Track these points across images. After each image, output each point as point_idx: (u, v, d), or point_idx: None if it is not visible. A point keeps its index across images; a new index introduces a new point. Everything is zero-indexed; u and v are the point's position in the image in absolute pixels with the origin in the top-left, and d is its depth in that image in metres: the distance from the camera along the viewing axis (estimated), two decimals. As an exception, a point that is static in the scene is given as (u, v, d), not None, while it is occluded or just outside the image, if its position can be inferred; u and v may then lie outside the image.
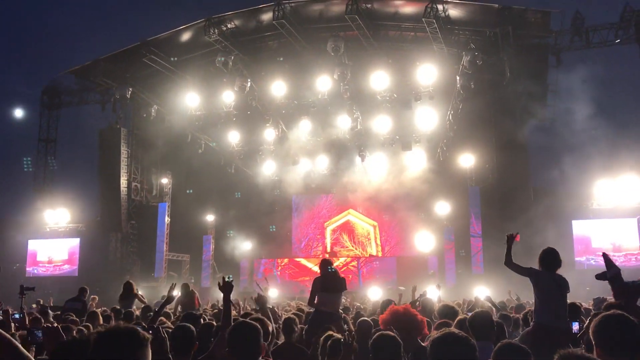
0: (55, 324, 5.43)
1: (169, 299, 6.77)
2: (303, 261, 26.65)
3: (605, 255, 5.10)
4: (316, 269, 24.97)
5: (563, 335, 5.40)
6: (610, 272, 5.07)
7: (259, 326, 3.47)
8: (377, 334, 3.97)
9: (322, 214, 28.54)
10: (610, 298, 9.84)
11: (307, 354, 5.48)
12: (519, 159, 22.84)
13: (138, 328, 2.28)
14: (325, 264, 8.22)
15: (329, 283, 7.85)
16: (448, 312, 6.38)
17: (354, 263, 25.81)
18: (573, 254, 21.97)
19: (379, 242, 27.43)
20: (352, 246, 27.60)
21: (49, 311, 9.43)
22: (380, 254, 27.01)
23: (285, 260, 27.00)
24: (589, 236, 22.41)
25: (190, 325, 4.50)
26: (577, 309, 6.95)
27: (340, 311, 7.95)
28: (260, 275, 25.09)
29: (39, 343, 5.02)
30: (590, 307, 8.45)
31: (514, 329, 7.13)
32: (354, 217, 27.98)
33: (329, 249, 27.21)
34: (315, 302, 7.84)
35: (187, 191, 28.57)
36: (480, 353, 3.13)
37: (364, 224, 27.85)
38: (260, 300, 6.70)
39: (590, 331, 2.70)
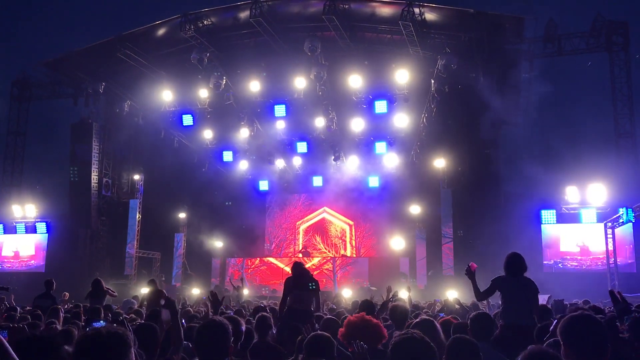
0: (22, 325, 5.26)
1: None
2: (274, 261, 26.57)
3: (611, 293, 5.01)
4: (288, 269, 24.99)
5: (528, 333, 5.51)
6: (617, 307, 4.99)
7: (228, 325, 3.43)
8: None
9: (295, 214, 28.55)
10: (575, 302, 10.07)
11: (282, 352, 5.47)
12: (491, 162, 23.15)
13: (124, 330, 2.22)
14: (296, 266, 8.27)
15: (301, 281, 7.89)
16: (367, 306, 6.68)
17: (329, 265, 25.82)
18: (542, 257, 22.34)
19: (354, 243, 27.53)
20: (325, 248, 27.65)
21: (17, 308, 9.25)
22: (354, 255, 27.09)
23: (257, 260, 26.90)
24: (557, 240, 22.81)
25: (154, 324, 4.41)
26: (546, 310, 7.14)
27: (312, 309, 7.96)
28: (227, 277, 25.01)
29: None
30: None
31: None
32: (329, 216, 28.03)
33: (301, 249, 27.20)
34: (288, 300, 7.88)
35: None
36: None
37: (339, 223, 27.91)
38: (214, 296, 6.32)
39: (558, 331, 2.75)
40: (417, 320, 5.12)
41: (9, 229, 27.95)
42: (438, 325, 4.99)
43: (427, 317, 5.44)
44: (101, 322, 2.88)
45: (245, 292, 17.14)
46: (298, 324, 5.58)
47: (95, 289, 11.53)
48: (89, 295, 11.46)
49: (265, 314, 6.27)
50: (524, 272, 6.54)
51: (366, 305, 6.92)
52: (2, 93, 31.19)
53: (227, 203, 27.68)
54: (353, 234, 27.67)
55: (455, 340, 3.64)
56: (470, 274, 6.78)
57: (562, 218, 22.80)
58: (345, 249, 27.43)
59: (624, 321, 4.69)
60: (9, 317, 7.76)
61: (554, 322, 4.01)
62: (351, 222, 27.71)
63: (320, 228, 28.08)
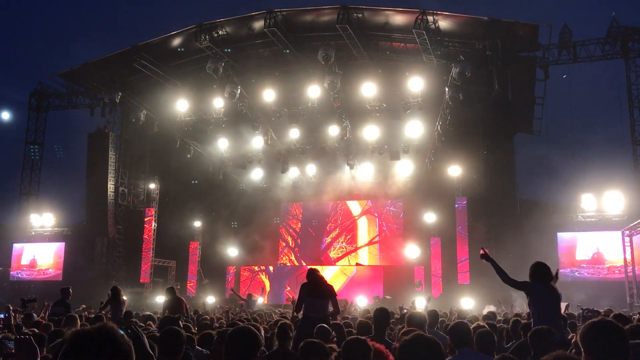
0: (29, 335, 5.21)
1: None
2: (294, 267, 26.60)
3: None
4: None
5: (561, 345, 5.44)
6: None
7: (258, 332, 3.50)
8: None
9: (310, 222, 28.58)
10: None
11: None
12: (506, 170, 23.05)
13: (120, 331, 1.98)
14: (311, 272, 8.24)
15: (316, 289, 7.87)
16: (381, 315, 6.47)
17: (344, 271, 25.80)
18: (558, 266, 22.12)
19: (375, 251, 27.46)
20: (346, 248, 27.62)
21: (34, 314, 9.32)
22: (376, 263, 26.94)
23: (271, 267, 26.98)
24: (573, 248, 22.61)
25: (179, 329, 4.50)
26: (565, 319, 7.08)
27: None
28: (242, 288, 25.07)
29: (9, 354, 4.48)
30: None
31: (501, 339, 7.11)
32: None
33: (319, 256, 27.17)
34: (303, 308, 7.87)
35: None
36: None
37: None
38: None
39: (578, 338, 2.74)
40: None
41: (28, 238, 28.27)
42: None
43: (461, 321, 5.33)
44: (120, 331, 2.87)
45: (260, 300, 17.18)
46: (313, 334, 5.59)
47: (114, 296, 11.62)
48: (108, 302, 11.52)
49: (286, 321, 6.30)
50: (551, 279, 6.47)
51: (380, 314, 6.72)
52: (20, 104, 31.68)
53: (241, 212, 27.67)
54: (376, 245, 27.62)
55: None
56: (487, 258, 6.66)
57: (578, 226, 22.60)
58: (363, 255, 27.36)
59: None
60: (17, 327, 7.80)
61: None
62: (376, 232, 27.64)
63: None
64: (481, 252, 6.76)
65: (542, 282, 6.35)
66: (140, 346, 2.85)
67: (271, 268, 26.95)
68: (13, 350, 4.14)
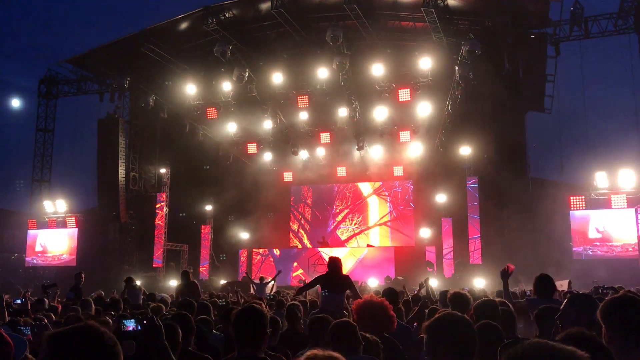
0: (45, 322, 5.23)
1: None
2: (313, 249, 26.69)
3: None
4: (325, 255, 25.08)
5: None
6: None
7: (266, 313, 3.49)
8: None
9: (320, 203, 28.60)
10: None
11: (309, 340, 5.50)
12: (517, 149, 22.84)
13: (105, 330, 1.84)
14: (333, 263, 8.08)
15: (332, 283, 7.81)
16: (389, 294, 6.54)
17: (354, 252, 25.82)
18: (571, 244, 22.04)
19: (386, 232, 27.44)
20: (356, 230, 27.64)
21: (45, 299, 9.42)
22: (387, 244, 26.92)
23: (276, 250, 27.02)
24: (586, 226, 22.46)
25: (187, 313, 4.51)
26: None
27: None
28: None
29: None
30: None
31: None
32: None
33: (324, 238, 27.18)
34: (320, 302, 7.87)
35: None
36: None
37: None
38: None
39: (598, 313, 2.72)
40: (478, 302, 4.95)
41: (41, 225, 28.52)
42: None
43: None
44: (132, 320, 2.85)
45: (271, 283, 17.21)
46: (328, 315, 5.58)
47: (129, 285, 11.77)
48: (124, 293, 11.63)
49: (295, 302, 6.31)
50: (553, 293, 6.01)
51: (388, 294, 6.77)
52: (30, 91, 31.77)
53: (252, 195, 27.70)
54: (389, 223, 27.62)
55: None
56: (505, 276, 6.39)
57: (591, 204, 22.41)
58: (374, 236, 27.36)
59: None
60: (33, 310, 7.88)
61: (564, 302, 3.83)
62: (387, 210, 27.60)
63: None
64: (509, 268, 6.40)
65: (542, 295, 5.77)
66: (157, 335, 2.84)
67: (276, 251, 26.95)
68: (30, 337, 4.14)
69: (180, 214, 28.07)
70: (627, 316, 2.62)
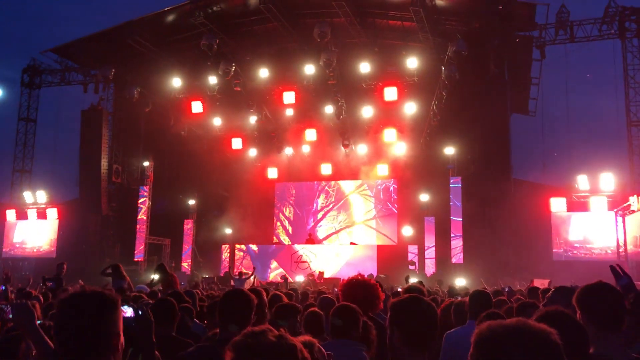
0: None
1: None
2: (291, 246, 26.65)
3: (612, 268, 4.73)
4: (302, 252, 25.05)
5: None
6: (620, 282, 4.69)
7: (252, 296, 3.50)
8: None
9: (303, 201, 28.58)
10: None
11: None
12: (501, 150, 23.00)
13: (104, 290, 2.13)
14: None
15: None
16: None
17: (338, 250, 25.83)
18: (551, 246, 22.27)
19: (369, 230, 27.48)
20: (338, 228, 27.66)
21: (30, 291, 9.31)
22: (370, 242, 26.94)
23: (254, 246, 26.89)
24: (567, 228, 22.70)
25: (172, 299, 4.52)
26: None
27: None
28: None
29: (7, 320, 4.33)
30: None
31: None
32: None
33: (311, 235, 27.18)
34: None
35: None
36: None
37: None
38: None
39: (574, 300, 2.77)
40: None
41: (21, 215, 28.16)
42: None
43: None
44: (126, 305, 2.81)
45: (251, 279, 17.20)
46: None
47: (115, 272, 11.66)
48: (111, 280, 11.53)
49: (278, 293, 6.31)
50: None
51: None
52: (12, 80, 31.36)
53: (235, 190, 27.58)
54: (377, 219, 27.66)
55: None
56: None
57: (572, 206, 22.66)
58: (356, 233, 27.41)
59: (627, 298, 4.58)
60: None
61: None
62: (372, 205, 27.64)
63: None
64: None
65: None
66: (148, 329, 2.81)
67: (254, 247, 26.81)
68: (10, 315, 4.12)
69: (163, 208, 27.86)
70: (601, 302, 2.69)
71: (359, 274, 4.49)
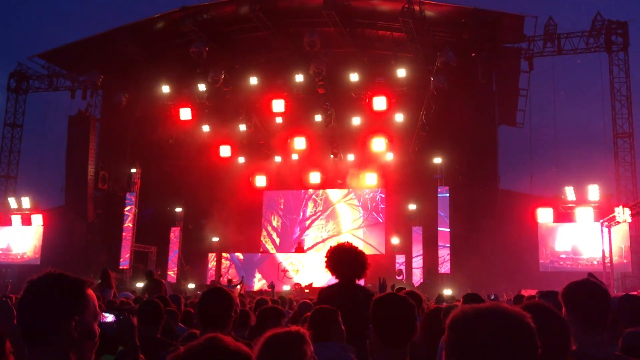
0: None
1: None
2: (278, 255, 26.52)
3: (590, 276, 4.76)
4: (287, 264, 24.94)
5: None
6: None
7: (233, 295, 3.48)
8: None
9: (291, 209, 28.49)
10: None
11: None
12: (488, 161, 23.14)
13: (67, 273, 2.07)
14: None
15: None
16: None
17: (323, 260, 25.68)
18: (537, 256, 22.35)
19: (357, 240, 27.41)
20: (326, 237, 27.59)
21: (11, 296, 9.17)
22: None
23: (239, 254, 26.72)
24: (553, 239, 22.81)
25: (158, 301, 4.53)
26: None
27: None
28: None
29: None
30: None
31: None
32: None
33: (300, 244, 27.08)
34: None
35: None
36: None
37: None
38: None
39: (560, 297, 2.77)
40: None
41: (5, 221, 27.82)
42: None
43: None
44: (111, 315, 2.75)
45: (237, 287, 17.07)
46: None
47: (104, 280, 11.55)
48: (98, 287, 11.38)
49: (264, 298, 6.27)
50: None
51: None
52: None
53: (223, 198, 27.47)
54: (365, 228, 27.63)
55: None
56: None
57: (559, 217, 22.78)
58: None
59: None
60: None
61: None
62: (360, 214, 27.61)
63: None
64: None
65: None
66: (130, 333, 2.76)
67: (239, 255, 26.64)
68: None
69: (149, 215, 27.65)
70: (588, 298, 2.69)
71: (347, 242, 4.60)
